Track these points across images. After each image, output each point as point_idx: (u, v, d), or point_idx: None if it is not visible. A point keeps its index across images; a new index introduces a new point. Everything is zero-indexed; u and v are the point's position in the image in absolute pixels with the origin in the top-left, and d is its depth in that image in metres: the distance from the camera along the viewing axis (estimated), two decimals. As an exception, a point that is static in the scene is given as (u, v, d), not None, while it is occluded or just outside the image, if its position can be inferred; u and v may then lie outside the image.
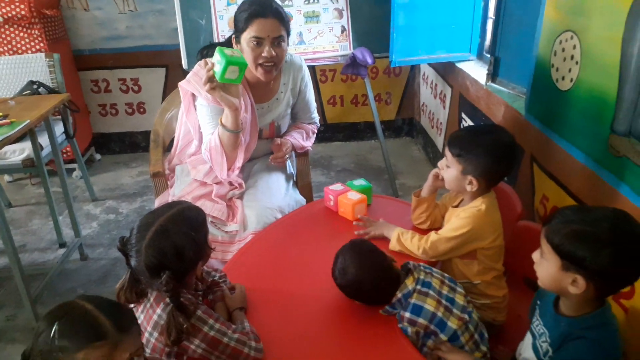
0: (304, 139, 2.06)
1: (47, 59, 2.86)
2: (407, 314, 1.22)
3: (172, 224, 1.11)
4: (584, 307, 1.05)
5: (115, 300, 1.05)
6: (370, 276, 1.25)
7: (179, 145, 1.99)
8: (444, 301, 1.24)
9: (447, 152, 1.44)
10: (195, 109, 1.85)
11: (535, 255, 1.10)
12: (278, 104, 1.95)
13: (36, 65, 2.87)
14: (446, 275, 1.33)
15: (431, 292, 1.24)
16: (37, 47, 3.16)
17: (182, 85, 1.82)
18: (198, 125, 1.89)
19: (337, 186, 1.79)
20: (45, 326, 0.81)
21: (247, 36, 1.71)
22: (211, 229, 1.73)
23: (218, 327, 1.12)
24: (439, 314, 1.21)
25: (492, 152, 1.38)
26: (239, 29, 1.73)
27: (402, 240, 1.50)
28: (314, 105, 2.10)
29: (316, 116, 2.13)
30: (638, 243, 0.98)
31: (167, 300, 1.06)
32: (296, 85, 1.97)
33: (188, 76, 1.82)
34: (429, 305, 1.22)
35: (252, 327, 1.22)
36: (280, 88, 1.94)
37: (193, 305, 1.10)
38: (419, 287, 1.25)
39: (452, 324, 1.21)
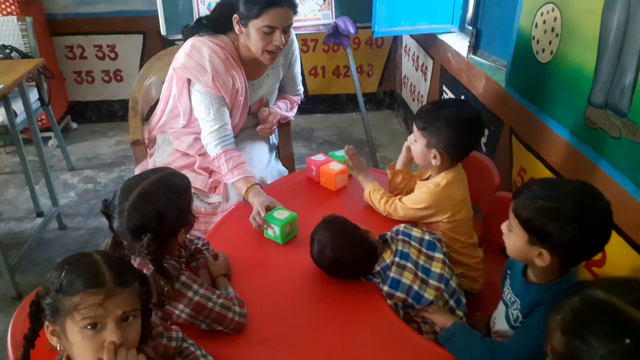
0: (287, 109, 2.05)
1: (19, 23, 2.76)
2: (386, 287, 1.25)
3: (155, 188, 1.12)
4: (551, 275, 1.09)
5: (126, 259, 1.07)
6: (348, 254, 1.28)
7: (164, 118, 1.94)
8: (420, 273, 1.27)
9: (414, 126, 1.47)
10: (189, 93, 1.79)
11: (504, 227, 1.13)
12: (269, 80, 1.92)
13: (7, 28, 2.77)
14: (426, 237, 1.35)
15: (409, 264, 1.27)
16: (8, 10, 3.04)
17: (178, 70, 1.74)
18: (189, 107, 1.83)
19: (319, 157, 1.79)
20: (57, 269, 0.86)
21: (259, 24, 1.63)
22: (194, 200, 1.73)
23: (202, 292, 1.13)
24: (415, 286, 1.25)
25: (455, 126, 1.40)
26: (249, 15, 1.64)
27: (371, 197, 1.57)
28: (300, 77, 2.08)
29: (301, 88, 2.12)
30: (601, 218, 1.02)
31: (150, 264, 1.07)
32: (287, 59, 1.94)
33: (182, 60, 1.72)
34: (406, 279, 1.25)
35: (236, 293, 1.23)
36: (271, 64, 1.89)
37: (177, 271, 1.11)
38: (397, 259, 1.27)
39: (429, 295, 1.25)
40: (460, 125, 1.41)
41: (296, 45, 1.96)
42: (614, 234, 1.33)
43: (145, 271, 1.10)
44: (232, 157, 1.71)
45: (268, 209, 1.51)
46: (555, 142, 1.62)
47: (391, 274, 1.26)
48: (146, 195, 1.10)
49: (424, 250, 1.32)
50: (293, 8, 1.68)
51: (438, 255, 1.32)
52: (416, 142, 1.47)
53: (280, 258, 1.43)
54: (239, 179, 1.67)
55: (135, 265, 1.12)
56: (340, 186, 1.72)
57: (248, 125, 1.99)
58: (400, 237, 1.33)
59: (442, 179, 1.44)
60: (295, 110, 2.12)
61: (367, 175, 1.63)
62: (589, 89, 1.42)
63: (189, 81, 1.77)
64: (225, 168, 1.69)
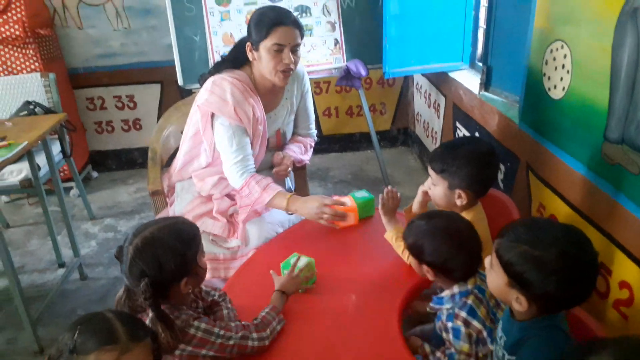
0: (302, 152, 2.07)
1: (43, 79, 2.87)
2: (464, 313, 1.20)
3: (160, 234, 1.15)
4: (533, 314, 1.05)
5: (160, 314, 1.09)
6: (461, 253, 1.24)
7: (181, 162, 1.99)
8: (490, 314, 1.24)
9: (431, 171, 1.47)
10: (212, 127, 1.85)
11: (487, 262, 1.11)
12: (284, 111, 1.98)
13: (32, 85, 2.88)
14: None
15: (485, 300, 1.25)
16: (32, 67, 3.18)
17: (203, 106, 1.81)
18: (214, 143, 1.87)
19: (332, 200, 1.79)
20: (69, 330, 0.87)
21: (268, 44, 1.73)
22: (212, 247, 1.74)
23: (222, 333, 1.17)
24: (488, 323, 1.22)
25: (474, 162, 1.41)
26: (259, 38, 1.75)
27: (395, 243, 1.54)
28: (312, 116, 2.13)
29: (314, 129, 2.16)
30: (585, 271, 0.99)
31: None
32: (299, 90, 2.01)
33: (205, 96, 1.79)
34: (481, 314, 1.22)
35: (270, 314, 1.27)
36: (285, 95, 1.97)
37: (195, 319, 1.14)
38: (476, 291, 1.25)
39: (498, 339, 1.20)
40: (479, 160, 1.42)
41: (307, 79, 2.03)
42: (641, 272, 1.30)
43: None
44: (260, 179, 1.77)
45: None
46: (572, 178, 1.60)
47: (469, 302, 1.22)
48: (149, 240, 1.13)
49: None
50: (298, 27, 1.77)
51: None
52: (436, 186, 1.47)
53: (302, 305, 1.41)
54: (274, 195, 1.73)
55: (150, 315, 1.14)
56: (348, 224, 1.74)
57: (264, 168, 2.02)
58: (481, 273, 1.30)
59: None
60: (310, 153, 2.14)
61: (392, 219, 1.60)
62: (604, 124, 1.41)
63: (213, 116, 1.82)
64: (258, 190, 1.75)
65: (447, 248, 1.24)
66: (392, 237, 1.55)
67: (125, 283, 1.16)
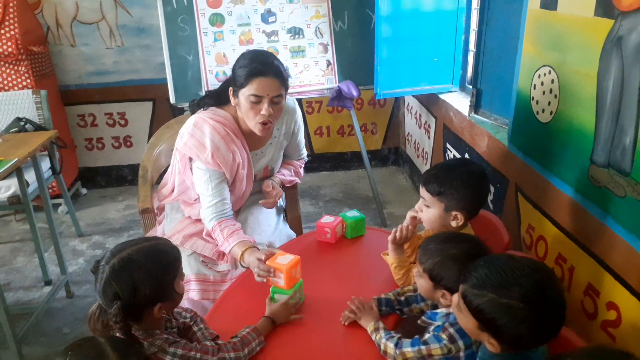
0: (292, 174, 2.08)
1: (34, 96, 2.86)
2: (452, 330, 1.18)
3: (138, 256, 1.11)
4: (506, 349, 1.04)
5: (130, 340, 1.06)
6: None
7: (175, 193, 1.95)
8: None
9: (425, 193, 1.46)
10: (191, 170, 1.84)
11: (454, 303, 1.09)
12: (272, 149, 1.95)
13: (23, 101, 2.87)
14: None
15: None
16: (24, 83, 3.17)
17: (180, 149, 1.80)
18: (193, 183, 1.86)
19: (327, 219, 1.80)
20: (60, 355, 0.87)
21: (246, 93, 1.68)
22: (202, 268, 1.73)
23: (199, 356, 1.16)
24: (474, 348, 1.20)
25: (471, 183, 1.43)
26: (237, 84, 1.71)
27: (392, 270, 1.50)
28: (303, 143, 2.11)
29: (305, 152, 2.15)
30: (555, 311, 0.98)
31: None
32: (289, 128, 1.97)
33: (185, 139, 1.77)
34: (470, 337, 1.19)
35: (251, 335, 1.27)
36: (274, 133, 1.93)
37: (171, 345, 1.13)
38: None
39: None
40: (474, 181, 1.44)
41: (299, 115, 1.98)
42: (627, 294, 1.32)
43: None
44: (227, 226, 1.71)
45: (267, 257, 1.49)
46: (561, 200, 1.62)
47: None
48: (126, 263, 1.10)
49: None
50: (280, 79, 1.70)
51: None
52: (430, 208, 1.46)
53: (290, 326, 1.40)
54: (235, 244, 1.66)
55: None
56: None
57: (255, 191, 2.01)
58: None
59: None
60: (301, 173, 2.14)
61: (398, 248, 1.51)
62: (591, 148, 1.44)
63: (191, 159, 1.81)
64: (221, 237, 1.70)
65: None
66: (393, 264, 1.52)
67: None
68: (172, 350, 1.13)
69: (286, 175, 2.05)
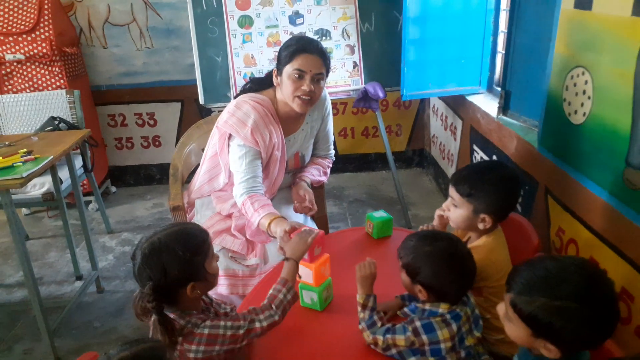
0: (320, 174, 2.11)
1: (68, 96, 2.94)
2: (418, 324, 1.21)
3: (166, 240, 1.17)
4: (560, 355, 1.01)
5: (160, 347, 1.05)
6: (460, 280, 1.25)
7: (203, 178, 2.02)
8: (456, 339, 1.23)
9: (454, 193, 1.44)
10: (229, 148, 1.89)
11: (501, 311, 1.06)
12: (304, 135, 2.01)
13: (57, 101, 2.95)
14: (476, 311, 1.31)
15: (453, 326, 1.23)
16: (58, 83, 3.26)
17: (220, 126, 1.86)
18: (229, 163, 1.91)
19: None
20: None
21: (289, 69, 1.76)
22: (231, 263, 1.76)
23: (230, 324, 1.21)
24: (443, 346, 1.21)
25: (503, 188, 1.40)
26: (282, 62, 1.79)
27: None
28: (332, 137, 2.15)
29: (332, 150, 2.18)
30: (609, 308, 0.95)
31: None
32: (321, 113, 2.03)
33: (225, 117, 1.84)
34: (441, 335, 1.21)
35: (275, 289, 1.31)
36: (306, 119, 1.99)
37: (195, 323, 1.17)
38: (448, 316, 1.23)
39: (449, 358, 1.22)
40: (507, 186, 1.41)
41: (329, 103, 2.05)
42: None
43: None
44: (257, 199, 1.76)
45: (292, 230, 1.54)
46: (593, 202, 1.60)
47: (434, 321, 1.22)
48: (156, 245, 1.16)
49: (471, 319, 1.28)
50: (323, 57, 1.79)
51: (477, 333, 1.28)
52: (458, 209, 1.44)
53: (320, 325, 1.41)
54: (263, 216, 1.70)
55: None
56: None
57: (284, 186, 2.05)
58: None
59: (483, 242, 1.43)
60: (328, 173, 2.17)
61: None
62: (626, 150, 1.41)
63: (230, 137, 1.86)
64: (251, 209, 1.74)
65: (448, 274, 1.23)
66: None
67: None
68: (203, 323, 1.17)
69: (315, 175, 2.08)
